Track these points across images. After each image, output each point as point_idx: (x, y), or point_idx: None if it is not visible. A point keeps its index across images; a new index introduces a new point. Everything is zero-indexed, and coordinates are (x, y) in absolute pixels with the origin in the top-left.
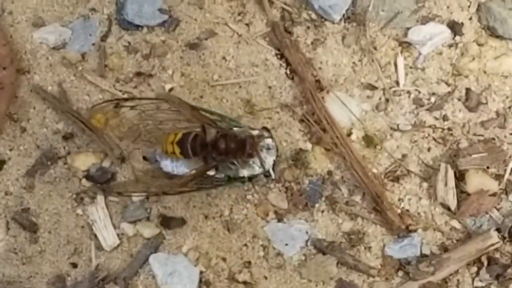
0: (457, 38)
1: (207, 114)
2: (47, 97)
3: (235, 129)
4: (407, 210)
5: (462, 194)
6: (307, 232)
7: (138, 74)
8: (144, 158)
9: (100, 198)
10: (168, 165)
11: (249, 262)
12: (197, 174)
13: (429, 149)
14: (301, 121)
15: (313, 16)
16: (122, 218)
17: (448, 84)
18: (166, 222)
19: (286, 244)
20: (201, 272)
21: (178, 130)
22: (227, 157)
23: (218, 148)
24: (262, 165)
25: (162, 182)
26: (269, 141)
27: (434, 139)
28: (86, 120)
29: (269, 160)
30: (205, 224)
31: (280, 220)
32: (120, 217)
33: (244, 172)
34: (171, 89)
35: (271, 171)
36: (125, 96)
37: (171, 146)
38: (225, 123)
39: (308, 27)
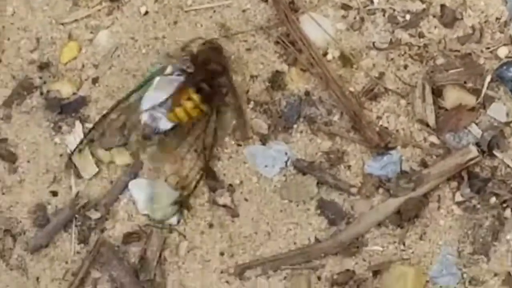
0: None
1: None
2: None
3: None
4: (386, 128)
5: (440, 110)
6: (286, 153)
7: (112, 0)
8: (145, 137)
9: (77, 126)
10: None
11: (230, 185)
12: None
13: (405, 67)
14: (277, 43)
15: None
16: (100, 145)
17: (422, 1)
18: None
19: (266, 166)
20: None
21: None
22: None
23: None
24: None
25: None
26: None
27: (410, 56)
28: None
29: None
30: (183, 150)
31: (262, 143)
32: (98, 144)
33: None
34: (146, 13)
35: None
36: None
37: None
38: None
39: None
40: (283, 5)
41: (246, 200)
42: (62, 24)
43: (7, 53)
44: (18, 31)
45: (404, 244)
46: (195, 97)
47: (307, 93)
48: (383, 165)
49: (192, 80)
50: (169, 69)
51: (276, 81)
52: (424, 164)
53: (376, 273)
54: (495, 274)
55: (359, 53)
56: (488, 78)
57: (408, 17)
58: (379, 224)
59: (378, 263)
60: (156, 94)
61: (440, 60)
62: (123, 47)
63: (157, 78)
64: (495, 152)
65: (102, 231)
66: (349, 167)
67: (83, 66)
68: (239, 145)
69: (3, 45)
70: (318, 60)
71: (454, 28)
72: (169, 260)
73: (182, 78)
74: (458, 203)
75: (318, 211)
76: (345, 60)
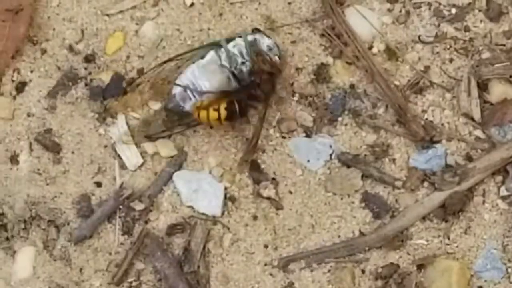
0: None
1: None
2: None
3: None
4: (431, 121)
5: (485, 104)
6: (331, 146)
7: None
8: (166, 108)
9: (120, 118)
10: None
11: (274, 178)
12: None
13: (451, 60)
14: (322, 35)
15: None
16: (144, 137)
17: None
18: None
19: (310, 159)
20: (225, 188)
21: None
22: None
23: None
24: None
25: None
26: (268, 41)
27: (456, 50)
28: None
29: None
30: (229, 142)
31: (307, 135)
32: (142, 135)
33: None
34: (191, 4)
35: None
36: (142, 14)
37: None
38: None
39: None
40: None
41: (290, 192)
42: (108, 15)
43: (52, 44)
44: (63, 21)
45: (448, 238)
46: (223, 113)
47: (352, 86)
48: (428, 158)
49: (233, 92)
50: (231, 44)
51: (321, 74)
52: (469, 158)
53: (420, 267)
54: None
55: (405, 47)
56: None
57: (454, 10)
58: (423, 218)
59: (423, 257)
60: (200, 73)
61: (486, 54)
62: (168, 39)
63: (211, 52)
64: None
65: (146, 222)
66: (393, 160)
67: (128, 57)
68: (283, 137)
69: (48, 35)
70: (364, 53)
71: (500, 22)
72: (213, 252)
73: (230, 75)
74: (503, 198)
75: (363, 204)
76: (391, 53)
